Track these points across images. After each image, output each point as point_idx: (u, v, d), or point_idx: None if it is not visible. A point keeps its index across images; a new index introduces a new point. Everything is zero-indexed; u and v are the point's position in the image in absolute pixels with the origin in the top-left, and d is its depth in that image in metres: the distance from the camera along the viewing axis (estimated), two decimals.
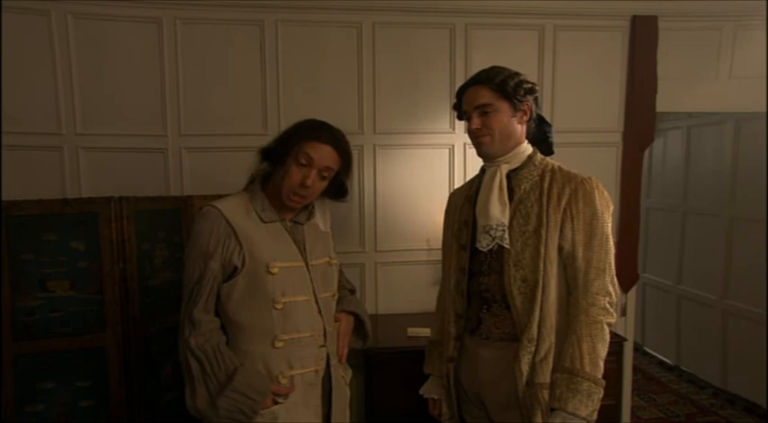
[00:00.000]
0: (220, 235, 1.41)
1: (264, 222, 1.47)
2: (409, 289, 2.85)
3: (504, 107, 1.51)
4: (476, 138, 1.55)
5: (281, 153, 1.46)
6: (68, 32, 2.48)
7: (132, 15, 2.53)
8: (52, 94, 2.48)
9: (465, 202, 1.64)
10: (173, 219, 2.26)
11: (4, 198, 2.03)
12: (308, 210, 1.58)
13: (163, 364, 2.22)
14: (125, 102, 2.57)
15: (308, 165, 1.43)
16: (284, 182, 1.44)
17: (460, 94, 1.60)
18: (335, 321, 1.61)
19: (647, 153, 3.00)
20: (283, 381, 1.46)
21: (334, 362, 1.57)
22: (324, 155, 1.44)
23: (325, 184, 1.50)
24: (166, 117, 2.62)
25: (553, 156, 1.65)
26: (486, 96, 1.51)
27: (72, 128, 2.52)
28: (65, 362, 2.00)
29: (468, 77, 1.60)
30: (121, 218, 2.04)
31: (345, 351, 1.64)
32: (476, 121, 1.52)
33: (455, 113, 1.66)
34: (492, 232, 1.49)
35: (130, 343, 2.08)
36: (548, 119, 1.65)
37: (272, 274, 1.43)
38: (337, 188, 1.56)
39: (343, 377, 1.64)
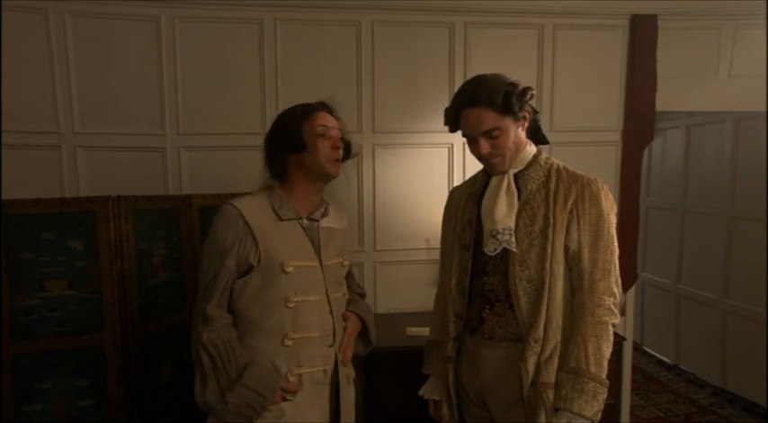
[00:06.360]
0: (237, 234, 1.44)
1: (282, 220, 1.49)
2: (409, 288, 2.85)
3: (509, 124, 1.46)
4: (486, 160, 1.51)
5: (295, 140, 1.49)
6: (66, 31, 2.47)
7: (131, 14, 2.52)
8: (50, 93, 2.47)
9: (468, 201, 1.63)
10: (171, 218, 2.25)
11: (2, 197, 2.02)
12: (324, 206, 1.59)
13: (162, 363, 2.21)
14: (123, 100, 2.56)
15: (326, 133, 1.51)
16: (318, 157, 1.49)
17: (457, 114, 1.49)
18: (343, 320, 1.61)
19: (646, 152, 2.99)
20: (292, 378, 1.46)
21: (341, 362, 1.58)
22: (330, 121, 1.54)
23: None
24: (165, 116, 2.61)
25: (552, 154, 1.63)
26: (492, 119, 1.43)
27: (70, 126, 2.52)
28: (63, 361, 1.99)
29: (465, 80, 1.52)
30: (120, 217, 2.03)
31: (350, 351, 1.63)
32: (484, 146, 1.47)
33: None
34: (499, 236, 1.48)
35: (129, 342, 2.07)
36: (547, 118, 1.65)
37: (287, 272, 1.45)
38: (346, 148, 1.60)
39: (347, 377, 1.64)
